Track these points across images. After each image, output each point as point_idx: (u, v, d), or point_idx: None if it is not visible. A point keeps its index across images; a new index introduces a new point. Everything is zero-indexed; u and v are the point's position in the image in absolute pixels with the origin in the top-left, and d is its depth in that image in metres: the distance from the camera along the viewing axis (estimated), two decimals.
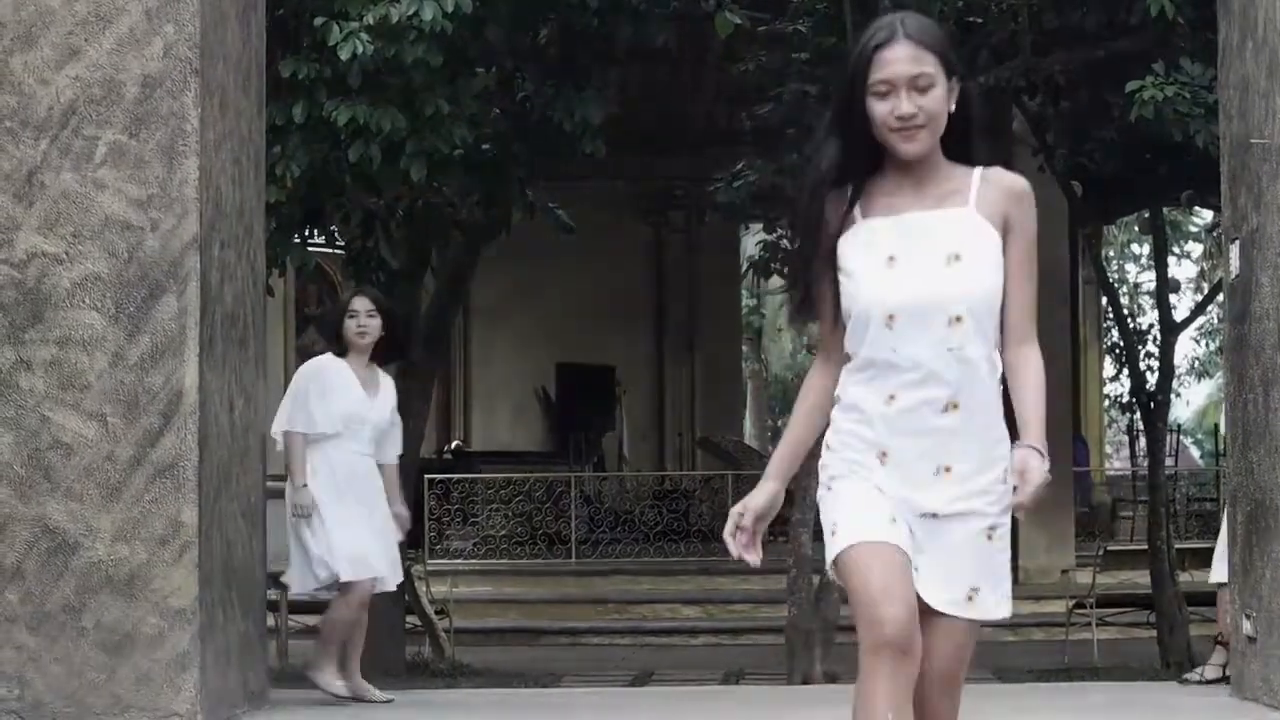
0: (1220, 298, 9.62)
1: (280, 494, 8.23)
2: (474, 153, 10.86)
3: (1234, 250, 7.68)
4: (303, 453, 8.04)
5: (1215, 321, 31.54)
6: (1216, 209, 12.38)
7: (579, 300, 21.15)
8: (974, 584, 3.40)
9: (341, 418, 8.03)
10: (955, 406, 3.37)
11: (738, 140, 13.53)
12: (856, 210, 3.45)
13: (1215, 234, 20.65)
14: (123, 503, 6.62)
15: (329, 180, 10.56)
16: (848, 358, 3.48)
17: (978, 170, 3.46)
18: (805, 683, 10.26)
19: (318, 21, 9.64)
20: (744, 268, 22.72)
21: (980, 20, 11.74)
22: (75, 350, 6.67)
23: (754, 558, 3.51)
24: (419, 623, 12.62)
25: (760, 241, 15.46)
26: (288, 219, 10.90)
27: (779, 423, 37.45)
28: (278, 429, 8.13)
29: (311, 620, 12.55)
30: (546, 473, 19.06)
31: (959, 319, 3.36)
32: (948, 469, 3.37)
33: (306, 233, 11.90)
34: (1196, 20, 10.15)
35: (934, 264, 3.38)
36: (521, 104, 11.29)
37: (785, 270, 14.93)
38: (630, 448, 23.07)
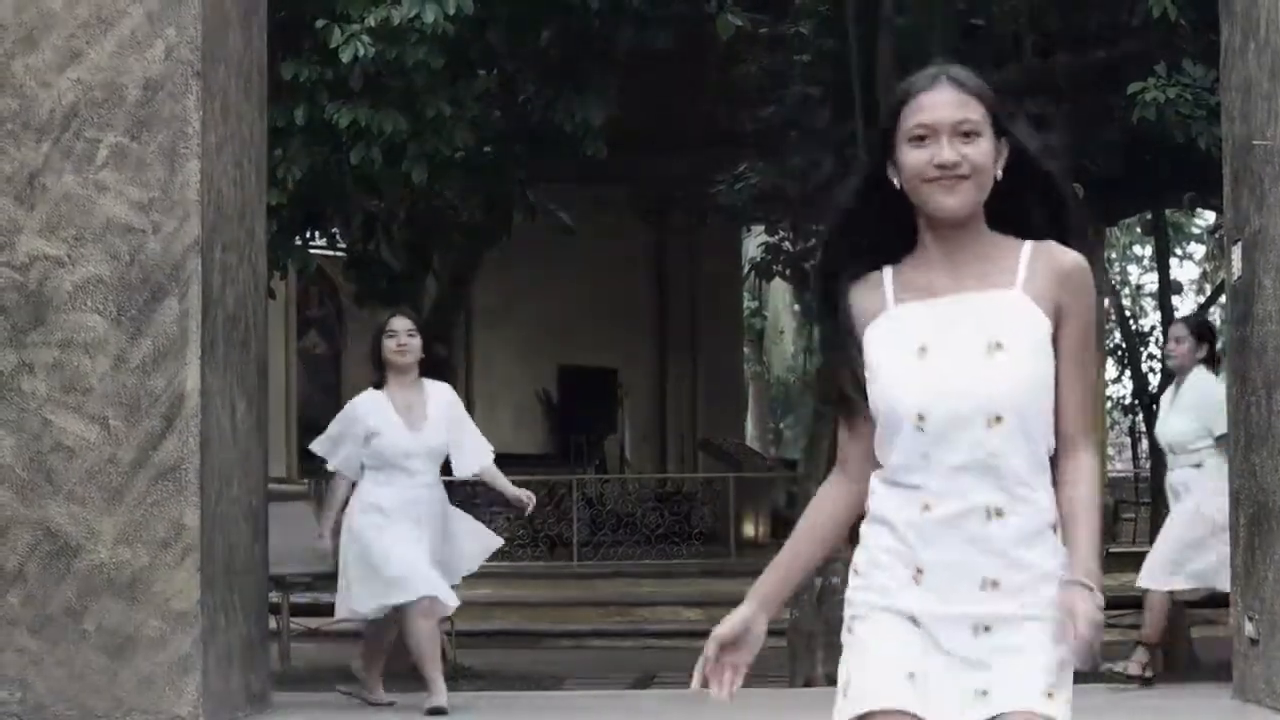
0: (1223, 299, 9.60)
1: (281, 496, 8.22)
2: (475, 155, 10.86)
3: (1236, 252, 7.67)
4: (338, 497, 7.93)
5: (1218, 323, 31.55)
6: (1219, 210, 12.37)
7: (580, 302, 21.15)
8: (1051, 684, 2.89)
9: (379, 460, 7.86)
10: (1000, 514, 2.91)
11: (739, 142, 13.52)
12: (886, 293, 2.99)
13: (1217, 235, 20.62)
14: (125, 505, 6.61)
15: (330, 183, 10.56)
16: (878, 464, 3.01)
17: (1027, 245, 2.97)
18: (807, 685, 10.24)
19: (319, 24, 9.64)
20: (746, 270, 22.73)
21: (982, 22, 11.74)
22: (77, 353, 6.67)
23: (719, 691, 3.04)
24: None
25: (762, 243, 15.49)
26: (289, 221, 10.90)
27: (781, 425, 37.40)
28: (330, 462, 8.02)
29: (313, 623, 12.56)
30: (548, 475, 19.07)
31: (999, 419, 2.90)
32: (995, 583, 2.90)
33: (308, 235, 11.91)
34: (1198, 22, 10.14)
35: (972, 355, 2.91)
36: (523, 106, 11.29)
37: (787, 272, 14.99)
38: (632, 450, 23.07)
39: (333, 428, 8.09)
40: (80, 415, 6.64)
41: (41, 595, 6.60)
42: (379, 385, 8.01)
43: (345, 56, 9.46)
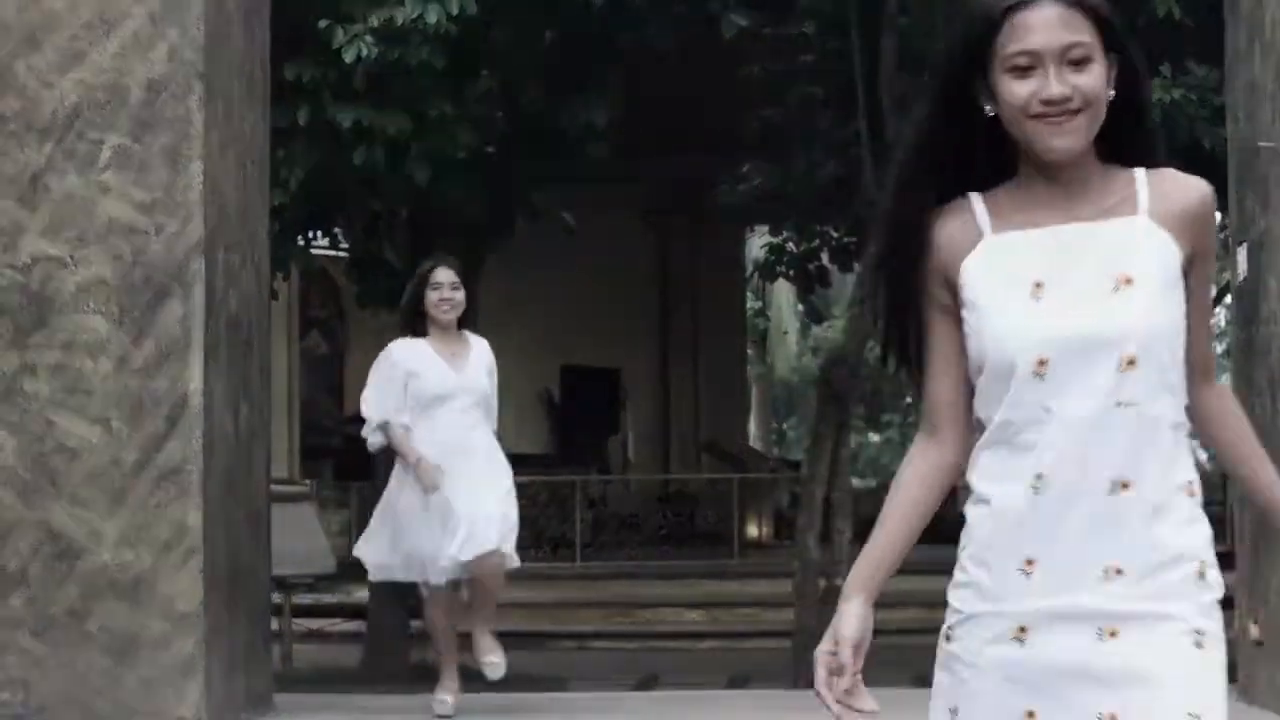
0: (1228, 300, 9.59)
1: (283, 498, 8.19)
2: (478, 156, 10.87)
3: (1241, 253, 7.67)
4: (407, 442, 7.38)
5: (1223, 324, 31.57)
6: (1224, 211, 12.33)
7: (583, 303, 21.14)
8: (1192, 710, 2.44)
9: (419, 403, 7.41)
10: (1126, 486, 2.47)
11: (743, 143, 13.51)
12: (981, 221, 2.55)
13: (1222, 236, 20.58)
14: (127, 507, 6.61)
15: (333, 183, 10.56)
16: (980, 428, 2.56)
17: (1140, 171, 2.57)
18: (810, 686, 10.23)
19: (322, 24, 9.64)
20: (749, 271, 22.72)
21: None
22: (80, 355, 6.66)
23: (869, 704, 2.61)
24: (424, 626, 12.60)
25: (765, 244, 15.47)
26: (291, 222, 10.90)
27: (784, 425, 37.38)
28: (372, 422, 7.47)
29: (315, 624, 12.57)
30: (551, 476, 19.05)
31: (1132, 362, 2.45)
32: (1118, 570, 2.46)
33: (310, 236, 11.91)
34: (1203, 22, 10.13)
35: (1098, 289, 2.48)
36: (525, 107, 11.29)
37: (791, 273, 14.96)
38: (635, 451, 23.07)
39: (370, 388, 7.55)
40: (83, 417, 6.64)
41: (44, 597, 6.59)
42: (417, 335, 7.58)
43: (348, 57, 9.47)
